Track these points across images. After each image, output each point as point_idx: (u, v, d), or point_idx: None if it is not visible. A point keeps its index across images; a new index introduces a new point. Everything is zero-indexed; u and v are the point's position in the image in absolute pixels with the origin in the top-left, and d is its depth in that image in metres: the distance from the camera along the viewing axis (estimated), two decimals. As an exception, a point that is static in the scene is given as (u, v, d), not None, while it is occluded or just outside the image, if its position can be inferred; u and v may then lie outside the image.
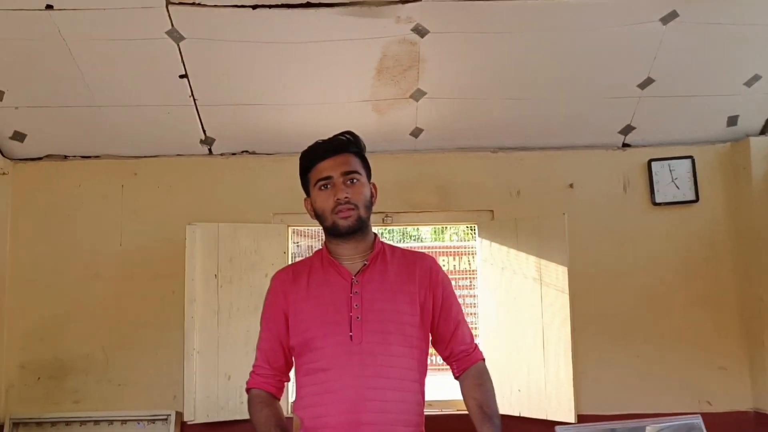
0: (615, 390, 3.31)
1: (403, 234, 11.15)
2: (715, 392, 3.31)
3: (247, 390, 1.84)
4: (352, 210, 1.75)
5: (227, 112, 3.22)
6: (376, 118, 3.27)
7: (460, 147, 3.49)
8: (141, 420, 3.25)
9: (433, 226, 8.20)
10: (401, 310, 1.76)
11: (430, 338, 1.86)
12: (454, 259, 7.08)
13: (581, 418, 3.11)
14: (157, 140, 3.39)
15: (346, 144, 1.81)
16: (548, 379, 3.13)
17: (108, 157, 3.46)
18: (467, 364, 1.85)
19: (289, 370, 1.87)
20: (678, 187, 3.39)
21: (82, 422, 3.25)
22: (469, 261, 6.99)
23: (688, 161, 3.40)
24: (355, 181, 1.78)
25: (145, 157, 3.46)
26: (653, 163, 3.41)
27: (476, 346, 1.89)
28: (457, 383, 1.88)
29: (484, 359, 1.88)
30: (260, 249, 3.30)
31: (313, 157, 1.81)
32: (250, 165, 3.45)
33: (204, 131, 3.31)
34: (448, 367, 1.90)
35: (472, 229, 7.38)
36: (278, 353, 1.82)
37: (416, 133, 3.37)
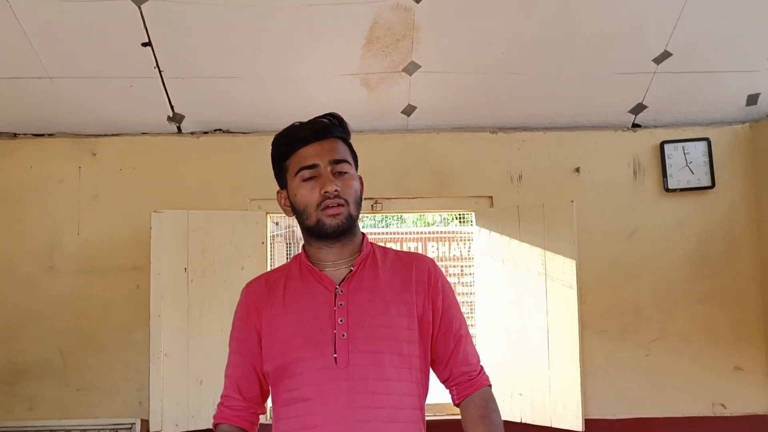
0: (624, 392, 3.08)
1: (384, 218, 10.91)
2: (730, 395, 3.09)
3: (215, 426, 1.54)
4: (342, 206, 1.47)
5: (197, 85, 2.91)
6: (365, 94, 2.98)
7: (456, 127, 3.21)
8: (103, 429, 2.95)
9: (421, 215, 7.92)
10: (396, 324, 1.47)
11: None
12: (444, 244, 6.80)
13: (588, 424, 2.86)
14: (119, 117, 3.06)
15: (332, 128, 1.53)
16: (553, 383, 2.87)
17: (63, 136, 3.13)
18: (470, 390, 1.55)
19: (265, 399, 1.57)
20: (692, 172, 3.14)
21: (38, 431, 2.93)
22: (459, 248, 6.73)
23: (703, 143, 3.15)
24: (344, 173, 1.50)
25: (105, 135, 3.14)
26: (666, 146, 3.15)
27: (482, 368, 1.59)
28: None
29: (490, 385, 1.58)
30: (236, 239, 2.99)
31: (293, 140, 1.52)
32: (224, 145, 3.13)
33: (171, 107, 2.99)
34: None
35: (462, 217, 7.14)
36: (251, 380, 1.52)
37: (409, 111, 3.07)
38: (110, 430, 2.95)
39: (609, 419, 3.04)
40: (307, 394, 1.42)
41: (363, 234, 1.60)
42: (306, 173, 1.48)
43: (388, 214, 5.13)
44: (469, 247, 3.20)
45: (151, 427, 2.81)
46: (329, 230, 1.46)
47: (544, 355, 2.90)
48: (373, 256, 1.56)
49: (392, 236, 7.80)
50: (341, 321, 1.44)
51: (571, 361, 2.83)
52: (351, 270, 1.51)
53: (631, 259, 3.14)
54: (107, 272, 3.05)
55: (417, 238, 7.00)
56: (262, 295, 1.54)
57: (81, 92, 2.90)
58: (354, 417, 1.39)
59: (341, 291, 1.48)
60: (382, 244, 1.67)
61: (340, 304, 1.46)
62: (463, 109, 3.13)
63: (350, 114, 3.06)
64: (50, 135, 3.13)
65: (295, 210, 1.52)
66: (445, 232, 7.05)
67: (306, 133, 1.51)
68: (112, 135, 3.13)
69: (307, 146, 1.49)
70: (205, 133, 3.16)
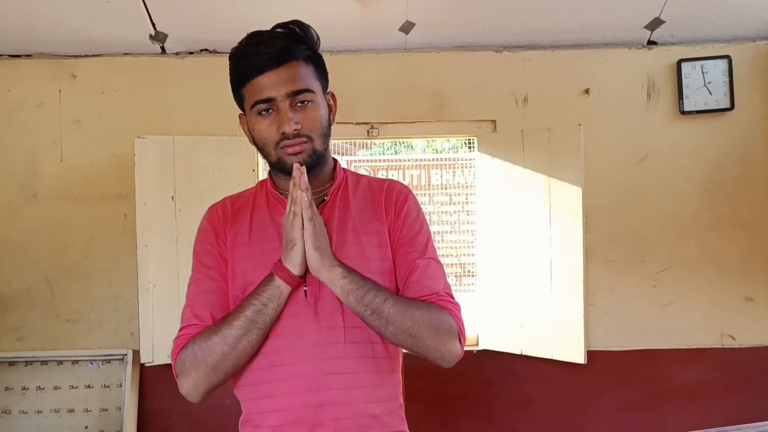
0: (628, 323, 2.99)
1: (393, 145, 10.70)
2: (739, 326, 2.99)
3: (175, 356, 1.33)
4: (304, 143, 1.33)
5: (181, 0, 2.70)
6: (359, 10, 2.76)
7: (457, 45, 3.00)
8: (94, 360, 2.91)
9: (425, 139, 7.70)
10: (368, 255, 1.35)
11: None
12: (448, 171, 6.63)
13: (590, 356, 2.79)
14: (99, 36, 2.87)
15: (293, 49, 1.34)
16: (555, 314, 2.78)
17: (41, 57, 2.96)
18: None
19: None
20: (711, 93, 2.94)
21: (28, 362, 2.91)
22: (464, 175, 6.56)
23: (723, 62, 2.94)
24: (306, 102, 1.34)
25: (85, 56, 2.97)
26: (683, 64, 2.95)
27: (442, 296, 1.35)
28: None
29: (451, 312, 1.33)
30: (224, 166, 2.85)
31: (247, 69, 1.34)
32: (211, 66, 2.95)
33: (153, 25, 2.79)
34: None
35: (470, 142, 6.93)
36: (226, 306, 1.35)
37: (407, 28, 2.87)
38: (102, 360, 2.91)
39: (612, 350, 2.97)
40: (273, 329, 1.30)
41: (335, 160, 1.47)
42: (262, 107, 1.33)
43: (389, 140, 4.97)
44: (474, 175, 3.04)
45: (142, 359, 2.76)
46: (291, 168, 1.30)
47: (546, 285, 2.80)
48: (345, 185, 1.44)
49: (393, 164, 7.62)
50: None
51: (575, 292, 2.72)
52: (324, 200, 1.40)
53: (641, 185, 2.99)
54: (93, 200, 2.94)
55: (419, 165, 6.82)
56: (227, 220, 1.42)
57: (57, 9, 2.70)
58: (324, 354, 1.29)
59: None
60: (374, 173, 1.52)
61: None
62: (465, 26, 2.91)
63: (343, 31, 2.86)
64: (27, 56, 2.96)
65: (255, 143, 1.39)
66: (448, 159, 6.86)
67: (261, 60, 1.32)
68: (93, 56, 2.96)
69: (263, 75, 1.32)
70: (191, 53, 2.97)
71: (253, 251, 1.36)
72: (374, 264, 1.35)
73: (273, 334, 1.31)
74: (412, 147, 11.16)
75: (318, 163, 1.37)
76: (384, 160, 7.86)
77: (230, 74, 1.38)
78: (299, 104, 1.33)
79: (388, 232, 1.38)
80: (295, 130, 1.31)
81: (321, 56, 1.42)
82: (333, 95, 1.44)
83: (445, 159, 6.94)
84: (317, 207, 1.34)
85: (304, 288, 1.31)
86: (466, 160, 6.72)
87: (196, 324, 1.33)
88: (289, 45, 1.33)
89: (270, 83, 1.32)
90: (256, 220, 1.41)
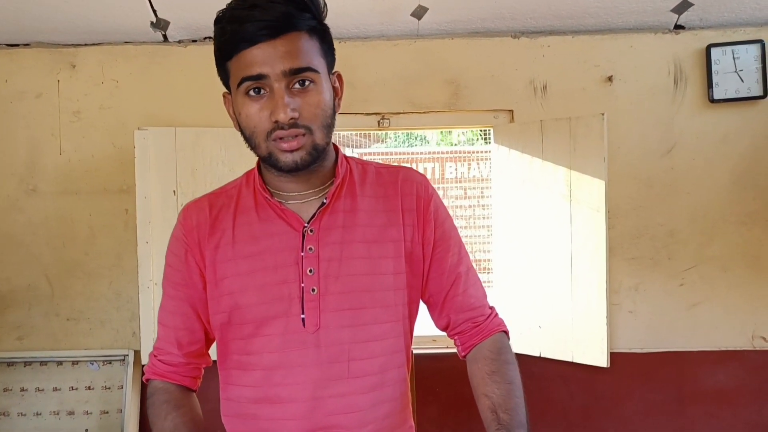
0: (653, 324, 2.86)
1: (408, 137, 10.56)
2: (771, 327, 2.85)
3: (146, 381, 1.25)
4: (302, 136, 1.10)
5: (181, -15, 2.59)
6: (369, -6, 2.65)
7: (473, 31, 2.88)
8: (95, 360, 2.82)
9: (439, 130, 7.56)
10: (380, 269, 1.17)
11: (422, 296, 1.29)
12: (463, 165, 6.49)
13: (613, 358, 2.66)
14: (99, 24, 2.77)
15: (294, 17, 1.08)
16: (576, 315, 2.65)
17: (39, 46, 2.87)
18: (477, 338, 1.24)
19: (209, 347, 1.27)
20: (742, 80, 2.80)
21: (27, 363, 2.83)
22: (479, 168, 6.42)
23: (756, 46, 2.79)
24: (307, 83, 1.09)
25: (84, 45, 2.88)
26: (713, 50, 2.80)
27: (492, 311, 1.28)
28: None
29: (506, 331, 1.27)
30: (229, 158, 2.75)
31: (235, 37, 1.09)
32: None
33: (155, 12, 2.69)
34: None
35: (486, 134, 6.78)
36: (194, 330, 1.22)
37: (419, 13, 2.74)
38: (103, 361, 2.82)
39: (636, 352, 2.84)
40: (267, 362, 1.14)
41: (336, 148, 1.25)
42: (251, 85, 1.08)
43: (402, 131, 4.83)
44: (490, 168, 2.92)
45: (143, 360, 2.67)
46: (285, 168, 1.11)
47: (567, 284, 2.67)
48: (350, 178, 1.22)
49: (406, 156, 7.48)
50: (310, 271, 1.14)
51: (597, 291, 2.60)
52: (324, 203, 1.17)
53: (667, 178, 2.85)
54: (93, 194, 2.85)
55: (433, 158, 6.68)
56: (204, 227, 1.20)
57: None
58: (326, 392, 1.14)
59: (311, 231, 1.16)
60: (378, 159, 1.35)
61: (309, 249, 1.15)
62: (480, 11, 2.77)
63: (352, 16, 2.74)
64: (26, 45, 2.88)
65: (241, 130, 1.15)
66: (463, 152, 6.70)
67: (253, 28, 1.06)
68: (93, 44, 2.87)
69: (255, 47, 1.07)
70: (194, 41, 2.88)
71: (239, 269, 1.16)
72: (387, 280, 1.17)
73: (267, 367, 1.15)
74: (425, 139, 11.03)
75: (318, 158, 1.14)
76: (397, 153, 7.73)
77: (214, 43, 1.16)
78: (298, 86, 1.09)
79: (407, 239, 1.20)
80: (291, 118, 1.07)
81: (328, 28, 1.16)
82: (339, 76, 1.20)
83: (460, 152, 6.79)
84: (315, 212, 1.17)
85: (302, 317, 1.14)
86: (481, 152, 6.57)
87: (162, 348, 1.24)
88: (290, 11, 1.08)
89: (263, 57, 1.07)
90: (242, 227, 1.19)
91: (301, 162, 1.11)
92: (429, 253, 1.23)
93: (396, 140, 10.81)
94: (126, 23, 2.77)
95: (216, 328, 1.21)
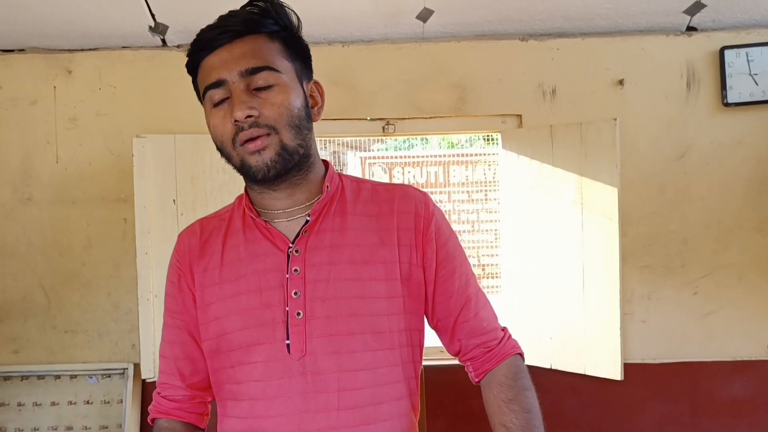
0: (667, 334, 2.81)
1: (407, 140, 10.51)
2: (788, 336, 2.79)
3: (151, 421, 1.23)
4: (267, 136, 1.06)
5: (180, -12, 2.55)
6: (373, -4, 2.60)
7: (479, 34, 2.83)
8: (93, 374, 2.77)
9: (445, 135, 7.51)
10: (370, 292, 1.11)
11: (427, 321, 1.24)
12: (466, 168, 6.43)
13: (626, 368, 2.61)
14: (96, 28, 2.73)
15: (253, 22, 1.09)
16: (588, 325, 2.60)
17: (34, 51, 2.83)
18: (490, 364, 1.19)
19: None
20: (757, 83, 2.75)
21: (24, 377, 2.78)
22: (483, 171, 6.36)
23: (771, 49, 2.74)
24: (270, 87, 1.08)
25: (81, 50, 2.83)
26: (727, 52, 2.75)
27: (505, 332, 1.23)
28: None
29: (521, 353, 1.23)
30: (230, 166, 2.69)
31: (196, 47, 1.11)
32: (215, 59, 2.79)
33: (153, 16, 2.65)
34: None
35: (488, 136, 6.73)
36: (195, 360, 1.19)
37: (425, 15, 2.70)
38: (101, 375, 2.77)
39: (649, 363, 2.79)
40: (252, 391, 1.10)
41: (326, 164, 1.21)
42: (214, 94, 1.07)
43: (406, 137, 4.74)
44: (494, 171, 2.88)
45: (143, 374, 2.62)
46: (258, 172, 1.07)
47: (578, 294, 2.62)
48: (341, 196, 1.18)
49: (410, 160, 7.42)
50: (295, 294, 1.09)
51: (610, 301, 2.55)
52: (307, 221, 1.13)
53: (680, 183, 2.80)
54: (90, 204, 2.80)
55: (438, 162, 6.62)
56: (195, 251, 1.18)
57: (52, 1, 2.55)
58: (314, 425, 1.07)
59: (296, 251, 1.11)
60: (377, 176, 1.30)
61: (295, 270, 1.10)
62: (487, 13, 2.72)
63: (355, 19, 2.69)
64: (20, 50, 2.83)
65: (216, 145, 1.14)
66: (468, 155, 6.64)
67: (212, 35, 1.07)
68: (89, 50, 2.82)
69: (213, 54, 1.08)
70: (194, 45, 2.83)
71: (224, 293, 1.13)
72: (379, 304, 1.11)
73: (252, 397, 1.10)
74: (426, 140, 11.00)
75: (293, 164, 1.09)
76: (400, 156, 7.68)
77: (188, 60, 1.15)
78: (260, 86, 1.07)
79: (404, 260, 1.14)
80: (248, 116, 1.04)
81: (298, 37, 1.16)
82: (318, 85, 1.18)
83: (465, 155, 6.74)
84: (301, 230, 1.12)
85: (287, 343, 1.08)
86: (486, 155, 6.52)
87: (166, 383, 1.22)
88: (249, 17, 1.09)
89: (220, 62, 1.07)
90: (229, 250, 1.16)
91: (271, 163, 1.07)
92: (432, 276, 1.17)
93: (397, 141, 10.77)
94: (123, 28, 2.73)
95: (207, 356, 1.17)
